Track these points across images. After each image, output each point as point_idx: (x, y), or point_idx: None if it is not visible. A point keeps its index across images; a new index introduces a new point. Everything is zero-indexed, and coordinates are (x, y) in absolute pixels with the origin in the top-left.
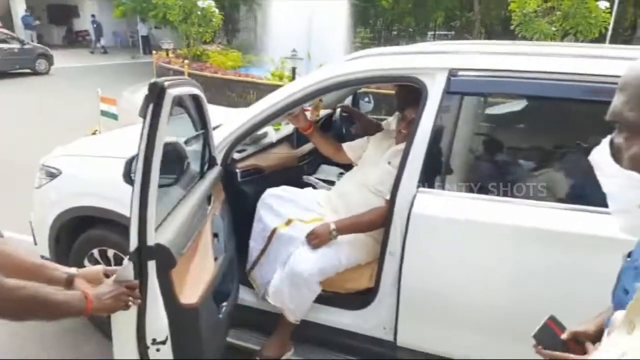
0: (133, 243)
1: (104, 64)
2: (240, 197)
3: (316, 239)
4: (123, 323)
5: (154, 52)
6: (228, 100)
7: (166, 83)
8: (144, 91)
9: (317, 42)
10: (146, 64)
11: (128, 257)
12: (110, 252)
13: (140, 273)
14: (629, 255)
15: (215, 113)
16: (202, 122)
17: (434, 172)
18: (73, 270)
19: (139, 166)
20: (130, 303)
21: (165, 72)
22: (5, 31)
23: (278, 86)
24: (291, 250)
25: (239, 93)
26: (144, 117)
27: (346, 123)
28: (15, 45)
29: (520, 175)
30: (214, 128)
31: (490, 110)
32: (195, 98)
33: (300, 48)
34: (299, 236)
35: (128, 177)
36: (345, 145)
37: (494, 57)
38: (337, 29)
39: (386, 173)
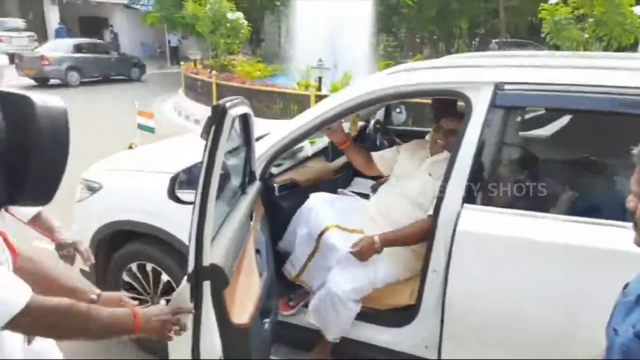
0: (191, 264)
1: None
2: (277, 211)
3: (361, 255)
4: (179, 344)
5: (182, 62)
6: (255, 110)
7: (227, 104)
8: (173, 101)
9: (341, 49)
10: (173, 75)
11: (186, 278)
12: (149, 267)
13: (196, 294)
14: (625, 287)
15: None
16: (246, 138)
17: (479, 188)
18: (97, 292)
19: (198, 188)
20: (173, 333)
21: (193, 83)
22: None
23: (304, 96)
24: (334, 258)
25: (265, 103)
26: (206, 138)
27: (380, 136)
28: (114, 55)
29: (567, 191)
30: (258, 139)
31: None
32: (244, 116)
33: (325, 56)
34: (342, 247)
35: (172, 194)
36: (376, 156)
37: (537, 70)
38: (361, 37)
39: (427, 184)
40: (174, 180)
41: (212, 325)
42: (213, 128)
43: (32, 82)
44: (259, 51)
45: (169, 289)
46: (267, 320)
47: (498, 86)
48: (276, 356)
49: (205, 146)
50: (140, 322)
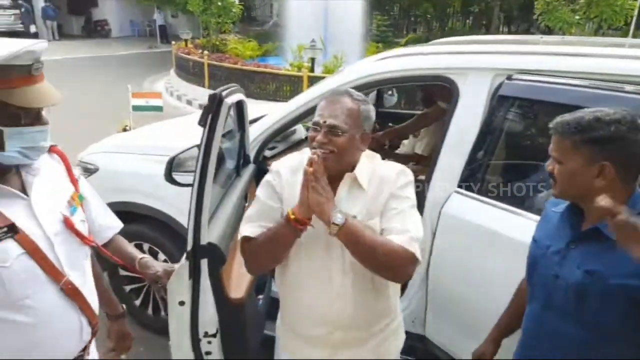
0: (190, 243)
1: (122, 54)
2: None
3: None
4: (179, 319)
5: (172, 42)
6: (248, 92)
7: (223, 93)
8: (165, 81)
9: (333, 29)
10: (164, 54)
11: (185, 256)
12: (146, 246)
13: (195, 271)
14: (535, 241)
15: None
16: (241, 123)
17: (471, 175)
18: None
19: (196, 172)
20: None
21: (185, 63)
22: None
23: (297, 77)
24: None
25: (258, 84)
26: (204, 125)
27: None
28: None
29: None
30: (253, 121)
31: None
32: (239, 102)
33: (316, 35)
34: None
35: (169, 176)
36: None
37: (532, 57)
38: (354, 16)
39: None
40: (170, 163)
41: (209, 300)
42: (210, 116)
43: None
44: (251, 30)
45: None
46: (261, 296)
47: (498, 73)
48: (271, 331)
49: (203, 133)
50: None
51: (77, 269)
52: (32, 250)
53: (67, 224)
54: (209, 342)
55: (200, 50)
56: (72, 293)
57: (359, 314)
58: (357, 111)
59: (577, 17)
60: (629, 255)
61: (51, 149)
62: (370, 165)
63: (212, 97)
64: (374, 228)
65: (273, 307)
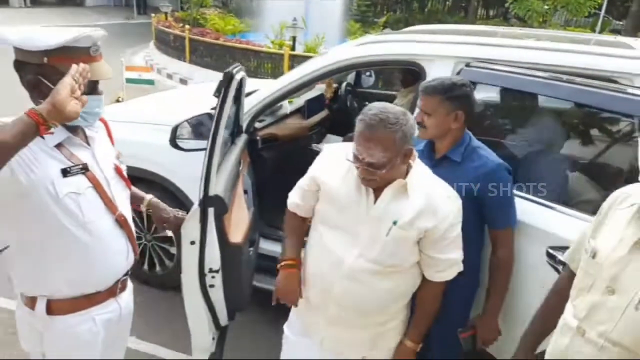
0: (200, 193)
1: (98, 24)
2: (260, 160)
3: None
4: (189, 255)
5: (152, 14)
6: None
7: (234, 71)
8: (144, 53)
9: (314, 7)
10: (142, 25)
11: (197, 203)
12: (143, 207)
13: (203, 217)
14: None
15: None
16: (237, 97)
17: None
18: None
19: (210, 133)
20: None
21: (165, 36)
22: None
23: (278, 54)
24: None
25: (239, 60)
26: (218, 96)
27: (351, 97)
28: None
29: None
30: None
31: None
32: (241, 79)
33: (297, 13)
34: None
35: (174, 142)
36: None
37: (487, 48)
38: None
39: None
40: (175, 130)
41: (214, 242)
42: (223, 89)
43: None
44: (231, 4)
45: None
46: (252, 248)
47: (459, 61)
48: (260, 283)
49: (217, 102)
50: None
51: (124, 206)
52: (97, 185)
53: (118, 170)
54: (213, 277)
55: (180, 24)
56: (123, 223)
57: (358, 300)
58: (393, 139)
59: (546, 7)
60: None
61: None
62: (422, 178)
63: (225, 74)
64: (408, 239)
65: (259, 260)
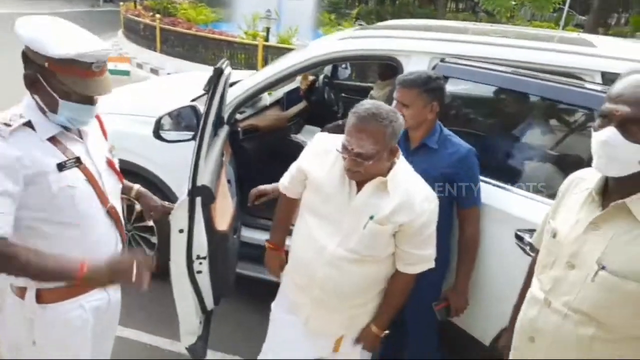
0: (190, 183)
1: (63, 11)
2: (241, 151)
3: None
4: (178, 243)
5: (120, 2)
6: (201, 58)
7: (223, 66)
8: (112, 42)
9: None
10: (109, 13)
11: (186, 193)
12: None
13: (191, 206)
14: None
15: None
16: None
17: None
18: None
19: (200, 125)
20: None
21: (135, 25)
22: None
23: (252, 45)
24: None
25: (212, 51)
26: (208, 91)
27: (328, 89)
28: None
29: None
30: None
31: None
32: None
33: (270, 3)
34: None
35: (157, 134)
36: None
37: (460, 44)
38: None
39: None
40: (159, 121)
41: (201, 230)
42: (213, 84)
43: None
44: None
45: (140, 217)
46: (235, 236)
47: (434, 56)
48: (244, 270)
49: (207, 95)
50: (85, 273)
51: (116, 199)
52: (90, 178)
53: (110, 164)
54: (200, 263)
55: (151, 13)
56: (114, 216)
57: (338, 285)
58: (384, 133)
59: (514, 3)
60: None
61: None
62: (404, 175)
63: (216, 70)
64: (384, 232)
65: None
